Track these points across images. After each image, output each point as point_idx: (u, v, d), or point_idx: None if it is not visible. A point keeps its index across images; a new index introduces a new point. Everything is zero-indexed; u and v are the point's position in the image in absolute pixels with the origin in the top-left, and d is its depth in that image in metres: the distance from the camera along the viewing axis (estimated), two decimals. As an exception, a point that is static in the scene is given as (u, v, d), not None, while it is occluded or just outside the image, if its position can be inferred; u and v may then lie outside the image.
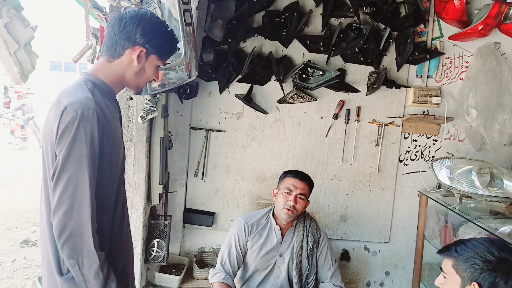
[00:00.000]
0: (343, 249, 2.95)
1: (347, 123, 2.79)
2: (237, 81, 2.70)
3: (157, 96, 2.13)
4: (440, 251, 1.45)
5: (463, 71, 2.76)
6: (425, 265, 2.83)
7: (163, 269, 2.72)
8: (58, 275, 1.26)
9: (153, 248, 2.54)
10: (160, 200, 2.56)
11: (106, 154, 1.27)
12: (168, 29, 1.42)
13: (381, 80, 2.61)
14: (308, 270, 2.24)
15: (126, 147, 2.34)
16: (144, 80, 1.44)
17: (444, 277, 1.41)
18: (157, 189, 2.46)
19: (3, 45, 2.32)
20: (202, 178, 2.82)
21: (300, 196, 2.16)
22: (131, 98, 2.30)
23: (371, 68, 2.74)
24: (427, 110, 2.77)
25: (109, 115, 1.30)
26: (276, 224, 2.24)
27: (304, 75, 2.62)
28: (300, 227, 2.27)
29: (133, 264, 1.57)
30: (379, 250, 2.97)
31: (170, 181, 2.79)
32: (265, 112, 2.77)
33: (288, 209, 2.13)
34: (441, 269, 1.42)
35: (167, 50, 1.43)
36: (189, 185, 2.84)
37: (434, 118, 2.70)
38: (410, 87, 2.74)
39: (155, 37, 1.37)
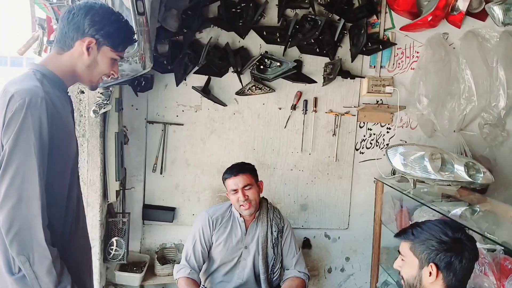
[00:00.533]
0: (305, 238, 3.00)
1: (305, 113, 2.83)
2: (194, 73, 2.65)
3: (110, 89, 2.05)
4: (397, 235, 1.50)
5: (414, 61, 2.86)
6: (383, 249, 2.93)
7: (124, 268, 2.64)
8: (9, 274, 1.20)
9: (112, 247, 2.46)
10: (117, 197, 2.48)
11: (56, 146, 1.21)
12: (120, 18, 1.36)
13: (337, 71, 2.66)
14: (274, 260, 2.27)
15: (79, 143, 2.22)
16: (98, 74, 1.37)
17: (402, 259, 1.45)
18: (114, 186, 2.38)
19: None
20: (161, 173, 2.76)
21: (246, 188, 2.16)
22: (82, 92, 2.20)
23: (326, 59, 2.79)
24: (381, 100, 2.86)
25: (60, 106, 1.24)
26: (240, 216, 2.24)
27: (261, 67, 2.63)
28: (264, 217, 2.28)
29: (91, 264, 1.51)
30: (339, 237, 3.05)
31: (127, 177, 2.71)
32: (223, 104, 2.75)
33: (243, 205, 2.16)
34: (399, 252, 1.47)
35: (120, 40, 1.37)
36: (148, 181, 2.77)
37: (388, 107, 2.79)
38: (364, 77, 2.81)
39: (105, 27, 1.31)
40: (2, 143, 1.15)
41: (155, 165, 2.73)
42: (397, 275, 2.57)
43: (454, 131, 2.90)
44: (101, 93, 2.01)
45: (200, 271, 2.19)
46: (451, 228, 1.38)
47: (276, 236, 2.27)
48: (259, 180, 2.28)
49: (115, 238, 2.46)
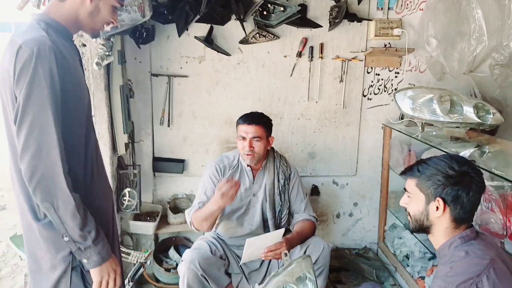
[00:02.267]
0: (313, 185, 3.04)
1: (311, 60, 2.77)
2: (195, 22, 2.59)
3: (111, 40, 2.02)
4: (403, 172, 1.50)
5: (423, 1, 2.75)
6: (390, 193, 2.97)
7: (137, 218, 2.74)
8: (35, 221, 1.25)
9: (124, 198, 2.53)
10: (126, 150, 2.52)
11: (70, 95, 1.23)
12: None
13: (343, 14, 2.57)
14: (281, 206, 2.34)
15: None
16: (100, 22, 1.36)
17: (408, 196, 1.46)
18: (122, 138, 2.41)
19: None
20: (169, 126, 2.78)
21: (255, 139, 2.18)
22: (84, 45, 2.17)
23: (332, 2, 2.68)
24: (389, 43, 2.78)
25: (68, 55, 1.25)
26: (248, 166, 2.28)
27: (265, 13, 2.54)
28: (271, 166, 2.33)
29: (114, 208, 1.57)
30: (347, 183, 3.09)
31: (136, 130, 2.74)
32: (227, 54, 2.70)
33: (247, 154, 2.19)
34: (405, 190, 1.48)
35: None
36: (156, 134, 2.80)
37: (396, 50, 2.72)
38: (371, 20, 2.72)
39: None
40: (15, 94, 1.16)
41: (162, 118, 2.75)
42: (405, 219, 2.62)
43: (464, 73, 2.83)
44: (102, 45, 1.99)
45: None
46: (457, 161, 1.37)
47: (283, 184, 2.33)
48: (271, 136, 2.29)
49: (127, 189, 2.53)
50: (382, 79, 2.89)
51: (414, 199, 1.43)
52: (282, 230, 2.09)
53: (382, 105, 2.89)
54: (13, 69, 1.13)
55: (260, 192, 2.32)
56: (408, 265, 2.65)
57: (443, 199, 1.34)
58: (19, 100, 1.13)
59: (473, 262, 1.30)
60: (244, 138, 2.18)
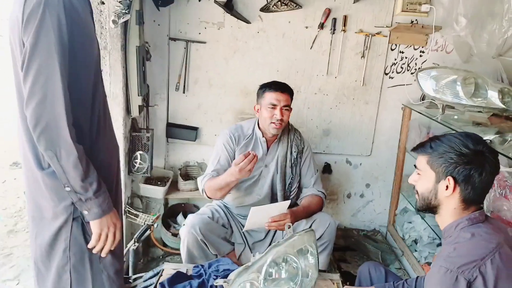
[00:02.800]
0: (325, 162, 3.00)
1: (333, 33, 2.68)
2: (216, -14, 2.53)
3: (128, -3, 1.99)
4: (414, 149, 1.44)
5: (457, -23, 2.60)
6: (404, 176, 2.90)
7: (148, 181, 2.77)
8: (39, 170, 1.26)
9: (136, 160, 2.56)
10: (140, 113, 2.53)
11: (78, 46, 1.21)
12: None
13: (369, -15, 2.46)
14: (292, 179, 2.32)
15: (101, 56, 2.25)
16: None
17: (418, 174, 1.41)
18: (136, 100, 2.41)
19: None
20: (184, 92, 2.76)
21: (285, 107, 2.16)
22: (103, 3, 2.15)
23: (359, -27, 2.58)
24: (416, 20, 2.66)
25: (78, 5, 1.22)
26: (263, 137, 2.26)
27: (288, -20, 2.46)
28: (285, 138, 2.31)
29: (119, 165, 1.57)
30: (361, 163, 3.03)
31: (151, 94, 2.74)
32: (247, 22, 2.64)
33: (275, 123, 2.15)
34: (415, 167, 1.42)
35: None
36: (171, 100, 2.79)
37: (422, 27, 2.59)
38: (399, -6, 2.60)
39: None
40: (23, 40, 1.15)
41: (178, 84, 2.73)
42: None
43: (493, 56, 2.68)
44: (119, 2, 1.96)
45: None
46: (473, 140, 1.30)
47: (295, 157, 2.30)
48: None
49: (139, 152, 2.55)
50: (406, 58, 2.78)
51: (424, 176, 1.38)
52: (288, 202, 2.07)
53: (404, 84, 2.79)
54: (22, 15, 1.12)
55: (272, 163, 2.30)
56: (415, 250, 2.60)
57: (454, 178, 1.29)
58: (26, 47, 1.12)
59: (478, 245, 1.25)
60: (274, 107, 2.14)
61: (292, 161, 2.30)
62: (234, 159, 2.23)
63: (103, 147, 1.36)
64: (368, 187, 3.10)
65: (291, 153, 2.30)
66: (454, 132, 2.15)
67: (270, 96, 2.16)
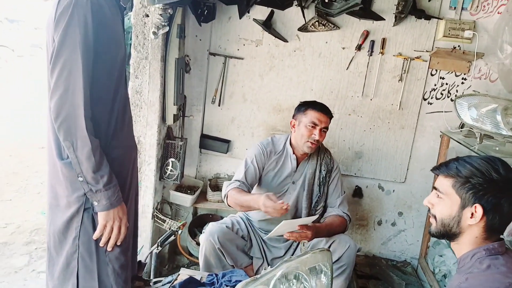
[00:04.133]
0: (356, 186, 2.93)
1: (371, 55, 2.67)
2: (257, 4, 2.61)
3: (169, 11, 2.12)
4: (436, 169, 1.33)
5: (503, 4, 2.50)
6: (440, 208, 2.75)
7: (179, 189, 2.86)
8: (59, 159, 1.36)
9: (167, 167, 2.65)
10: (175, 122, 2.63)
11: (103, 46, 1.32)
12: None
13: (408, 8, 2.44)
14: (318, 197, 2.30)
15: (141, 65, 2.40)
16: None
17: (438, 196, 1.30)
18: (172, 109, 2.52)
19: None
20: (219, 106, 2.85)
21: (324, 130, 2.19)
22: (147, 15, 2.31)
23: (401, -4, 2.56)
24: (458, 46, 2.57)
25: (107, 10, 1.34)
26: (293, 153, 2.27)
27: (327, 0, 2.50)
28: (314, 157, 2.31)
29: (135, 163, 1.66)
30: (394, 190, 2.93)
31: (188, 105, 2.85)
32: (285, 40, 2.70)
33: (312, 143, 2.16)
34: (435, 188, 1.32)
35: None
36: (207, 112, 2.88)
37: (463, 53, 2.51)
38: (441, 19, 2.54)
39: None
40: (54, 37, 1.27)
41: (214, 97, 2.83)
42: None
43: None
44: (160, 15, 2.10)
45: (249, 190, 2.21)
46: (503, 165, 1.20)
47: (324, 175, 2.29)
48: None
49: (171, 159, 2.65)
50: (446, 84, 2.69)
51: (446, 200, 1.27)
52: (315, 217, 2.06)
53: (443, 111, 2.69)
54: (54, 14, 1.25)
55: (299, 180, 2.29)
56: (445, 286, 2.45)
57: (482, 206, 1.18)
58: (55, 43, 1.24)
59: (493, 278, 1.16)
60: (314, 126, 2.16)
61: (321, 179, 2.29)
62: (262, 172, 2.26)
63: (118, 145, 1.44)
64: (401, 216, 2.98)
65: (320, 171, 2.29)
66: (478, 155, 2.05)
67: (313, 115, 2.17)
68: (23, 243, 3.02)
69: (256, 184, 2.30)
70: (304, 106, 2.23)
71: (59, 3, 1.26)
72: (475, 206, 1.19)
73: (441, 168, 1.31)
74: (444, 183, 1.28)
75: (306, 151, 2.22)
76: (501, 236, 1.28)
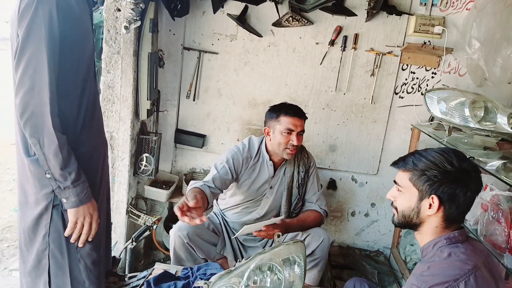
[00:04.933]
0: (330, 178, 2.99)
1: (344, 50, 2.71)
2: (231, -1, 2.62)
3: (141, 5, 2.10)
4: (394, 163, 1.38)
5: (471, 1, 2.58)
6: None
7: (154, 184, 2.84)
8: (26, 156, 1.34)
9: (141, 162, 2.64)
10: (149, 117, 2.62)
11: (69, 41, 1.29)
12: None
13: (380, 4, 2.48)
14: (297, 199, 2.27)
15: (113, 60, 2.37)
16: None
17: (398, 190, 1.36)
18: (145, 104, 2.50)
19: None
20: (194, 100, 2.84)
21: (300, 133, 2.11)
22: (119, 10, 2.27)
23: (372, -8, 2.60)
24: (428, 41, 2.64)
25: (74, 3, 1.31)
26: (270, 160, 2.21)
27: (300, -4, 2.52)
28: (292, 159, 2.23)
29: (106, 158, 1.64)
30: (366, 182, 3.00)
31: (162, 100, 2.83)
32: (259, 35, 2.71)
33: (289, 149, 2.10)
34: (395, 182, 1.37)
35: None
36: (181, 106, 2.87)
37: (433, 48, 2.58)
38: (412, 15, 2.59)
39: None
40: (18, 33, 1.24)
41: (189, 92, 2.82)
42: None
43: (509, 83, 2.62)
44: (132, 9, 2.07)
45: (213, 193, 2.08)
46: (457, 156, 1.25)
47: (302, 176, 2.25)
48: None
49: (145, 154, 2.63)
50: (417, 78, 2.76)
51: (405, 193, 1.33)
52: (279, 219, 2.03)
53: (414, 105, 2.76)
54: (18, 9, 1.22)
55: (277, 184, 2.24)
56: (415, 274, 2.53)
57: (439, 197, 1.24)
58: (19, 38, 1.22)
59: (453, 265, 1.22)
60: (290, 132, 2.07)
61: (300, 181, 2.24)
62: (237, 177, 2.18)
63: (87, 140, 1.43)
64: (374, 207, 3.05)
65: (298, 173, 2.24)
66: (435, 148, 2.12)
67: (287, 121, 2.07)
68: (-6, 241, 2.96)
69: (231, 191, 2.26)
70: (276, 112, 2.13)
71: None
72: (432, 197, 1.25)
73: (399, 162, 1.37)
74: (403, 176, 1.33)
75: (286, 158, 2.15)
76: (462, 225, 1.34)
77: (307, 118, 2.17)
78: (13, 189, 4.03)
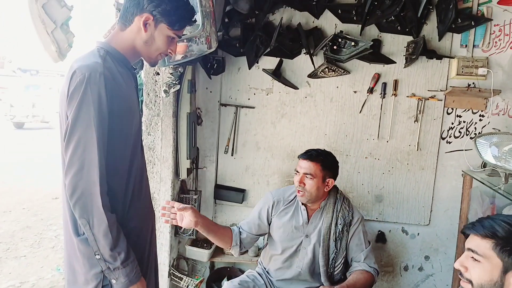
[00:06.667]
0: (379, 231, 2.82)
1: (383, 97, 2.63)
2: (265, 55, 2.62)
3: (179, 69, 2.13)
4: (471, 229, 1.21)
5: (515, 39, 2.48)
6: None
7: (194, 243, 2.77)
8: (75, 235, 1.31)
9: (182, 222, 2.59)
10: (188, 175, 2.60)
11: (118, 118, 1.29)
12: None
13: (419, 50, 2.41)
14: (335, 253, 2.12)
15: (153, 122, 2.40)
16: (155, 51, 1.42)
17: (475, 259, 1.18)
18: (185, 163, 2.49)
19: (41, 25, 2.43)
20: (232, 155, 2.81)
21: (307, 176, 2.03)
22: (158, 74, 2.33)
23: (409, 38, 2.55)
24: (473, 83, 2.53)
25: (121, 81, 1.32)
26: (302, 204, 2.14)
27: (335, 47, 2.50)
28: (330, 208, 2.12)
29: (154, 231, 1.60)
30: (418, 233, 2.80)
31: (201, 157, 2.82)
32: (295, 87, 2.69)
33: (299, 191, 2.06)
34: (471, 250, 1.19)
35: (177, 19, 1.40)
36: (220, 162, 2.85)
37: (479, 91, 2.46)
38: (453, 58, 2.51)
39: (163, 4, 1.35)
40: (67, 114, 1.26)
41: (227, 147, 2.80)
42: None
43: None
44: (171, 73, 2.11)
45: (246, 238, 2.14)
46: None
47: (340, 230, 2.11)
48: (332, 178, 2.09)
49: (186, 214, 2.58)
50: (464, 122, 2.63)
51: (485, 264, 1.16)
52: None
53: (463, 150, 2.61)
54: (67, 91, 1.23)
55: (313, 234, 2.14)
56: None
57: None
58: (68, 120, 1.22)
59: None
60: (297, 173, 2.08)
61: (337, 234, 2.11)
62: (269, 219, 2.16)
63: (136, 214, 1.40)
64: (428, 260, 2.83)
65: (336, 225, 2.11)
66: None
67: (298, 163, 2.09)
68: (38, 305, 2.94)
69: (269, 240, 2.23)
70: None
71: (71, 79, 1.24)
72: None
73: (475, 227, 1.20)
74: (482, 244, 1.17)
75: (300, 201, 2.11)
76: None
77: (323, 161, 2.04)
78: (55, 246, 4.08)
